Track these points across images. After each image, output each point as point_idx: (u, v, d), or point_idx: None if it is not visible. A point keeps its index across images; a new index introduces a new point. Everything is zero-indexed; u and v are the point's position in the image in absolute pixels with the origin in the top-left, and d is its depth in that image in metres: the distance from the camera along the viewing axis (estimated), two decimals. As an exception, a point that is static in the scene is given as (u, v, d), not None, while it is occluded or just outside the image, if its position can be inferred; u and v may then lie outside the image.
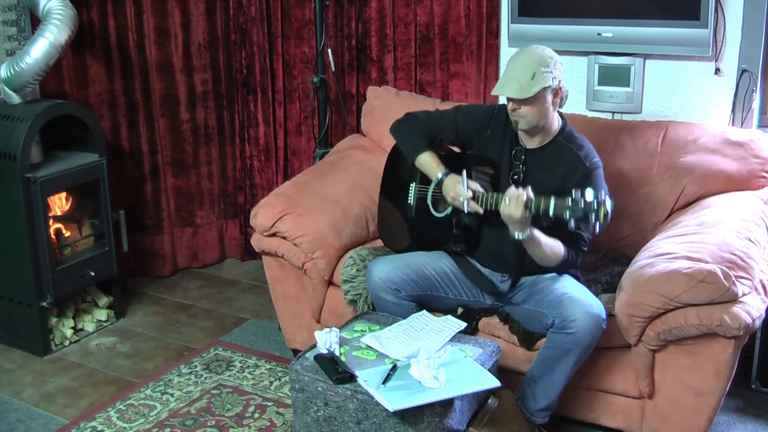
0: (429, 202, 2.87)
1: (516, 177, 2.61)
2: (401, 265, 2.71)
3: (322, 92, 3.80)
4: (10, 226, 3.30)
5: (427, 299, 2.72)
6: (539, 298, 2.54)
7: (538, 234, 2.43)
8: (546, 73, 2.45)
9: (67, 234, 3.56)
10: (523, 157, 2.61)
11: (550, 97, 2.50)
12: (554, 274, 2.61)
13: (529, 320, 2.59)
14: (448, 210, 2.79)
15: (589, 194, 2.25)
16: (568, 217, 2.28)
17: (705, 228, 2.58)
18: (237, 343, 3.41)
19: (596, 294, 2.69)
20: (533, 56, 2.48)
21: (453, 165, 2.69)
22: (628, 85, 3.26)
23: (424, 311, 2.63)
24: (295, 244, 3.02)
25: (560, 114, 2.63)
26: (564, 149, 2.57)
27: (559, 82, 2.51)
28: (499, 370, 2.48)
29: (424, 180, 2.85)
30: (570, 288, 2.50)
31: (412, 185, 2.93)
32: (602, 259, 2.97)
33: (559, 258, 2.49)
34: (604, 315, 2.42)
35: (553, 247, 2.47)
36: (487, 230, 2.70)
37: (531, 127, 2.54)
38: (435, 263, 2.76)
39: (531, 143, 2.61)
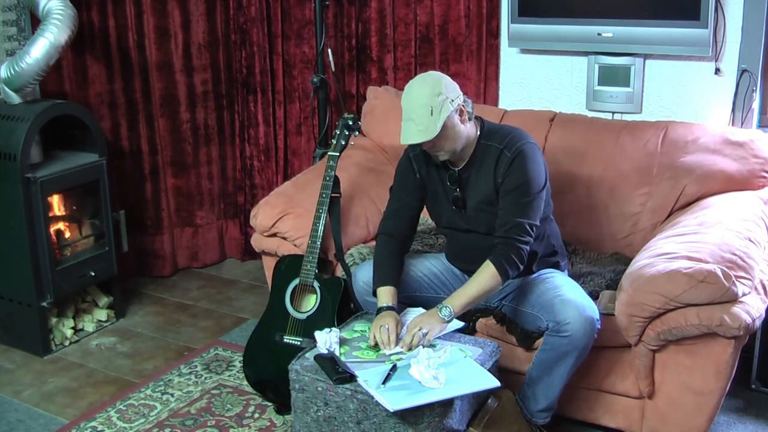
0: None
1: (455, 200, 2.60)
2: None
3: (322, 92, 3.80)
4: (10, 226, 3.30)
5: (419, 301, 2.70)
6: (532, 299, 2.53)
7: (459, 302, 2.42)
8: (442, 101, 2.37)
9: (67, 234, 3.56)
10: (456, 178, 2.58)
11: (456, 120, 2.42)
12: (542, 273, 2.61)
13: (525, 320, 2.59)
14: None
15: None
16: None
17: (705, 228, 2.58)
18: (237, 343, 3.41)
19: (599, 288, 2.70)
20: (424, 90, 2.40)
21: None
22: (628, 85, 3.26)
23: (420, 308, 2.62)
24: (295, 245, 3.02)
25: (476, 118, 2.56)
26: (487, 148, 2.53)
27: (458, 100, 2.43)
28: (499, 370, 2.48)
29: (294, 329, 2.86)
30: (562, 288, 2.48)
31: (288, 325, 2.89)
32: (609, 257, 2.98)
33: (498, 283, 2.43)
34: (597, 316, 2.41)
35: (482, 287, 2.43)
36: (458, 236, 2.69)
37: (452, 154, 2.50)
38: (422, 264, 2.77)
39: (459, 162, 2.57)
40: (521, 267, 2.46)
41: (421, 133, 2.38)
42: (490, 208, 2.55)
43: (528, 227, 2.44)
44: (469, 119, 2.50)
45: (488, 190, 2.53)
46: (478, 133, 2.55)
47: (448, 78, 2.46)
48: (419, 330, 2.38)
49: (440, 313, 2.41)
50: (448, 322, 2.43)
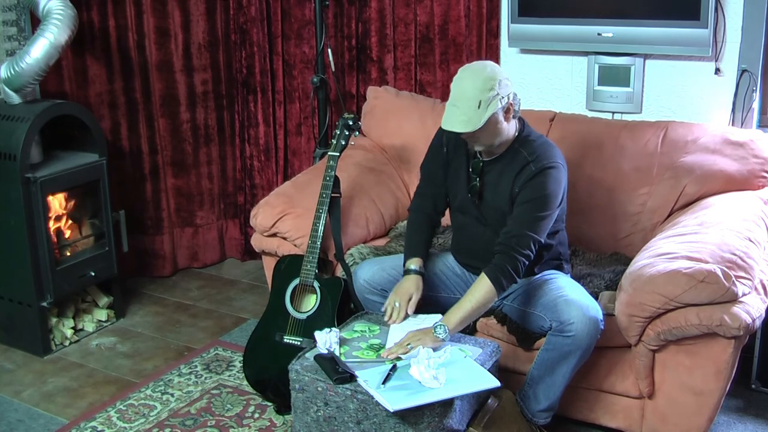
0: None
1: (473, 189, 2.60)
2: (387, 266, 2.74)
3: (322, 92, 3.80)
4: (10, 226, 3.30)
5: (421, 299, 2.70)
6: (535, 300, 2.53)
7: (454, 318, 2.40)
8: (492, 97, 2.36)
9: (67, 234, 3.56)
10: (479, 168, 2.58)
11: (501, 117, 2.42)
12: (545, 274, 2.61)
13: (526, 320, 2.59)
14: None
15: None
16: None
17: (705, 228, 2.58)
18: (237, 343, 3.41)
19: (599, 289, 2.70)
20: (477, 81, 2.38)
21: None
22: (628, 85, 3.26)
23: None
24: (295, 245, 3.03)
25: (519, 118, 2.56)
26: (517, 154, 2.52)
27: (508, 98, 2.42)
28: (499, 370, 2.48)
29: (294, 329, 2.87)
30: (565, 289, 2.48)
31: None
32: (608, 258, 2.98)
33: (494, 296, 2.42)
34: (600, 316, 2.41)
35: (477, 301, 2.41)
36: (467, 223, 2.70)
37: (487, 148, 2.51)
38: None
39: (489, 155, 2.56)
40: (517, 280, 2.45)
41: (463, 124, 2.37)
42: (500, 211, 2.55)
43: (532, 242, 2.43)
44: (514, 117, 2.50)
45: (504, 195, 2.53)
46: (516, 134, 2.54)
47: (504, 74, 2.44)
48: (406, 345, 2.35)
49: (435, 332, 2.38)
50: (443, 340, 2.38)
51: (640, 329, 2.42)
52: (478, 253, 2.68)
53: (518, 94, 3.45)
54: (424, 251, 2.68)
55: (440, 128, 2.63)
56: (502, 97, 2.40)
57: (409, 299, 2.53)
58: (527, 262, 2.44)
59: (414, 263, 2.63)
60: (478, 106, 2.36)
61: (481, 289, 2.42)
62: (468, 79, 2.41)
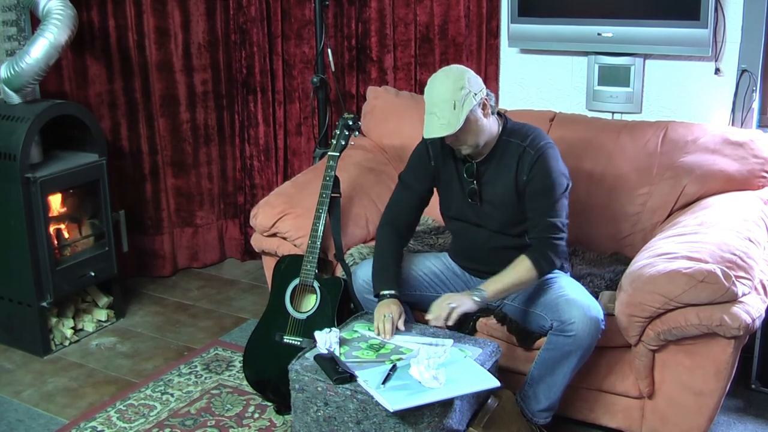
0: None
1: (472, 193, 2.60)
2: None
3: (322, 92, 3.80)
4: (10, 226, 3.30)
5: (418, 300, 2.70)
6: (535, 299, 2.53)
7: (493, 287, 2.47)
8: (464, 95, 2.39)
9: (67, 234, 3.56)
10: (473, 171, 2.58)
11: (479, 113, 2.44)
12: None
13: (527, 320, 2.59)
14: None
15: None
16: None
17: (705, 228, 2.58)
18: (237, 343, 3.41)
19: (599, 289, 2.71)
20: (447, 84, 2.41)
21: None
22: (628, 85, 3.26)
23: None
24: (295, 245, 3.03)
25: (498, 113, 2.58)
26: (509, 145, 2.54)
27: (481, 94, 2.44)
28: (499, 370, 2.48)
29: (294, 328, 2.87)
30: (566, 289, 2.49)
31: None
32: (608, 258, 2.98)
33: (533, 276, 2.47)
34: (601, 316, 2.41)
35: (518, 277, 2.48)
36: (466, 229, 2.69)
37: (475, 148, 2.51)
38: (422, 263, 2.77)
39: (478, 156, 2.57)
40: (557, 263, 2.49)
41: (443, 128, 2.39)
42: (504, 206, 2.56)
43: (560, 225, 2.49)
44: (492, 113, 2.52)
45: (508, 187, 2.54)
46: (500, 128, 2.56)
47: (471, 71, 2.47)
48: (448, 304, 2.43)
49: (473, 293, 2.44)
50: (479, 303, 2.45)
51: (640, 329, 2.42)
52: (478, 256, 2.68)
53: (518, 93, 3.53)
54: (395, 281, 2.62)
55: (423, 140, 2.67)
56: (475, 94, 2.42)
57: (399, 314, 2.50)
58: (564, 245, 2.50)
59: (388, 290, 2.57)
60: (453, 107, 2.39)
61: (522, 268, 2.48)
62: (437, 84, 2.44)
